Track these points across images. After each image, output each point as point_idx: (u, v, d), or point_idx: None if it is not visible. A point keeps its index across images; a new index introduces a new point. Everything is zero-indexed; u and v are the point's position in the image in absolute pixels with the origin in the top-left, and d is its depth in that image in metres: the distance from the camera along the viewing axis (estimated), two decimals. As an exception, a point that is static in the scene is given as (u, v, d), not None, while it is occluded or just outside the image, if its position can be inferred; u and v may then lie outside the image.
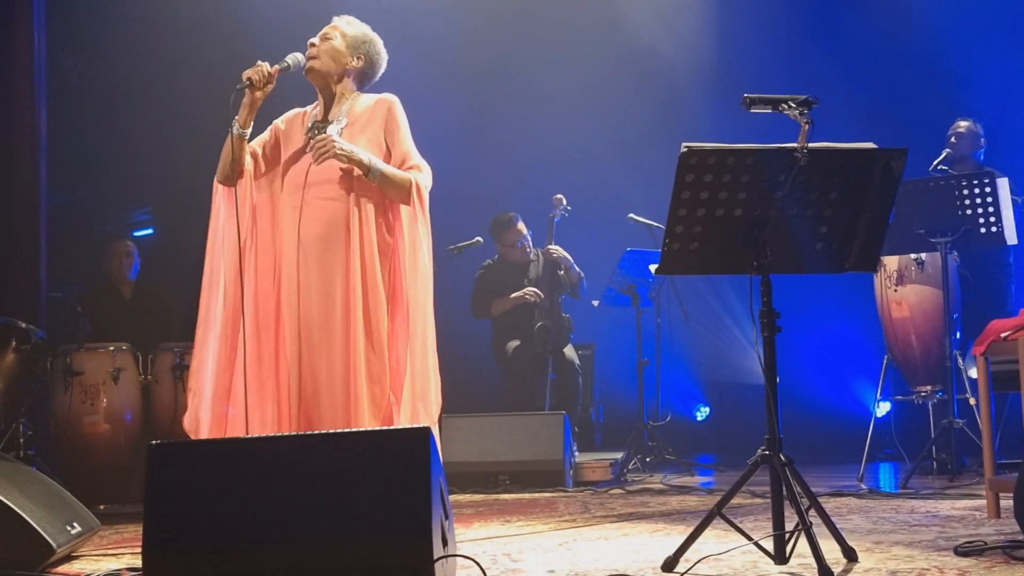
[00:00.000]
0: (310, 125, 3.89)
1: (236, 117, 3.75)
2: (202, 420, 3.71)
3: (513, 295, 7.14)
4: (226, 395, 3.72)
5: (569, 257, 7.11)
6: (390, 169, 3.76)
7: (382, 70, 4.00)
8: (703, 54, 8.28)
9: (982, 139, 6.27)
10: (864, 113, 7.66)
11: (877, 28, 8.02)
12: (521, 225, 7.24)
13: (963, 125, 6.27)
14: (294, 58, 3.83)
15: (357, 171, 3.72)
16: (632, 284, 6.94)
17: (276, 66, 3.77)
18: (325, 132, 3.82)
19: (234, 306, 3.74)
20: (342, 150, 3.67)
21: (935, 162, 5.91)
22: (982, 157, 6.26)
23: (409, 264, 3.76)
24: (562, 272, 7.16)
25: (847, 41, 8.09)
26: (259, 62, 3.76)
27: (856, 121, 7.58)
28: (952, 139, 6.22)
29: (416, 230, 3.77)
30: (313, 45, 3.88)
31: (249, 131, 3.79)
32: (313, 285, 3.70)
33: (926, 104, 7.41)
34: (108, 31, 8.19)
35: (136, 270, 6.90)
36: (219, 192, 3.85)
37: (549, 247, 7.08)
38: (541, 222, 7.19)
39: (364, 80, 3.96)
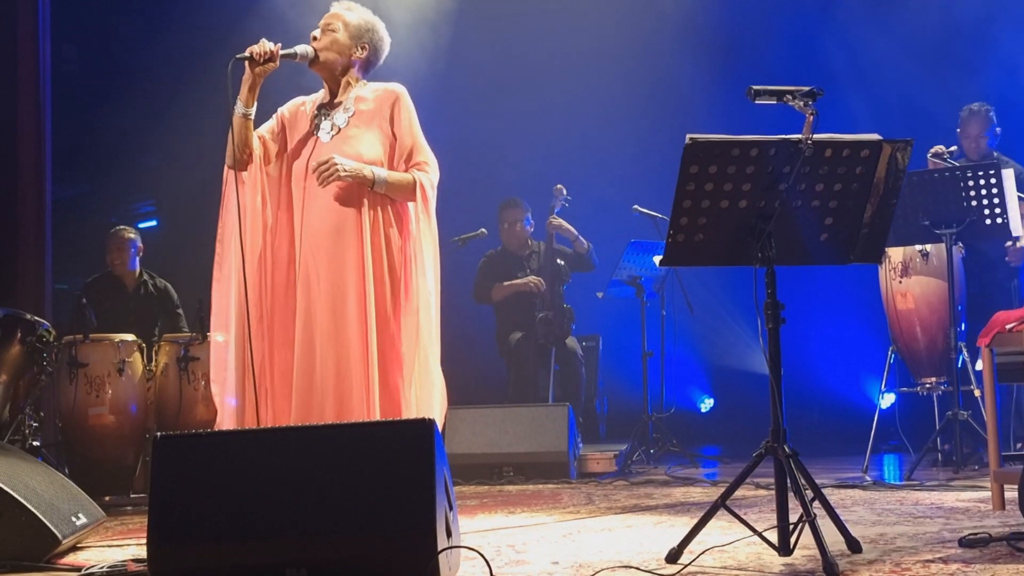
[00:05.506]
0: (316, 113, 3.88)
1: (238, 96, 3.73)
2: (227, 411, 3.72)
3: (512, 282, 7.17)
4: (251, 385, 3.70)
5: (573, 229, 7.12)
6: (394, 176, 3.76)
7: (386, 53, 3.98)
8: (709, 43, 8.26)
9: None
10: (870, 104, 7.65)
11: (884, 17, 7.99)
12: (525, 210, 7.32)
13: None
14: (303, 49, 3.80)
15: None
16: (636, 276, 6.94)
17: (279, 44, 3.72)
18: (332, 119, 3.82)
19: (254, 296, 3.74)
20: (346, 171, 3.67)
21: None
22: (995, 143, 6.20)
23: (415, 258, 3.76)
24: (571, 251, 7.18)
25: (854, 30, 8.06)
26: (263, 39, 3.71)
27: (863, 112, 7.58)
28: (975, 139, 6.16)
29: (421, 225, 3.78)
30: (315, 39, 3.86)
31: (253, 111, 3.75)
32: (323, 278, 3.70)
33: (932, 94, 7.38)
34: (111, 22, 8.18)
35: (137, 261, 6.86)
36: (229, 180, 3.81)
37: (551, 219, 7.08)
38: (544, 213, 7.20)
39: (369, 67, 3.95)
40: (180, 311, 6.84)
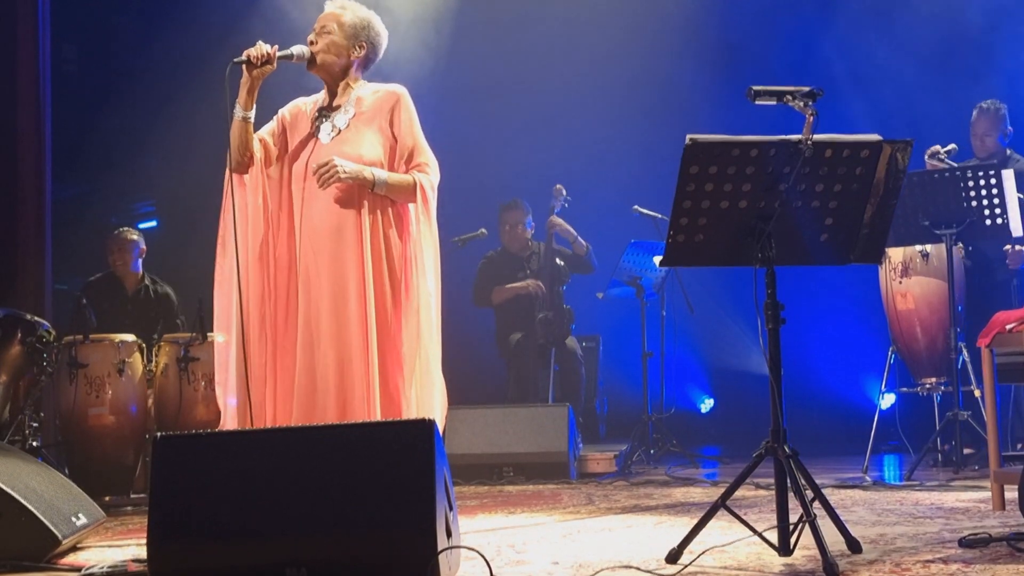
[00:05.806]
0: (316, 114, 3.88)
1: (237, 100, 3.73)
2: (229, 412, 3.72)
3: (512, 285, 7.18)
4: (254, 385, 3.71)
5: (572, 230, 7.12)
6: (394, 178, 3.76)
7: (384, 47, 3.96)
8: (711, 44, 8.26)
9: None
10: (871, 107, 7.64)
11: (886, 21, 7.98)
12: (527, 212, 7.32)
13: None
14: (299, 49, 3.80)
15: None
16: (636, 276, 6.95)
17: (276, 47, 3.72)
18: (332, 121, 3.82)
19: (257, 297, 3.74)
20: (346, 172, 3.67)
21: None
22: (1006, 141, 6.18)
23: (416, 259, 3.76)
24: (570, 253, 7.19)
25: (856, 34, 8.06)
26: (259, 42, 3.71)
27: (864, 115, 7.57)
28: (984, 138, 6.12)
29: (422, 227, 3.78)
30: (312, 43, 3.85)
31: (252, 114, 3.74)
32: (323, 279, 3.70)
33: (934, 98, 7.37)
34: (111, 22, 8.17)
35: (139, 263, 6.86)
36: (230, 182, 3.81)
37: (550, 219, 7.09)
38: (544, 214, 7.20)
39: (368, 63, 3.94)
40: (179, 320, 6.81)
